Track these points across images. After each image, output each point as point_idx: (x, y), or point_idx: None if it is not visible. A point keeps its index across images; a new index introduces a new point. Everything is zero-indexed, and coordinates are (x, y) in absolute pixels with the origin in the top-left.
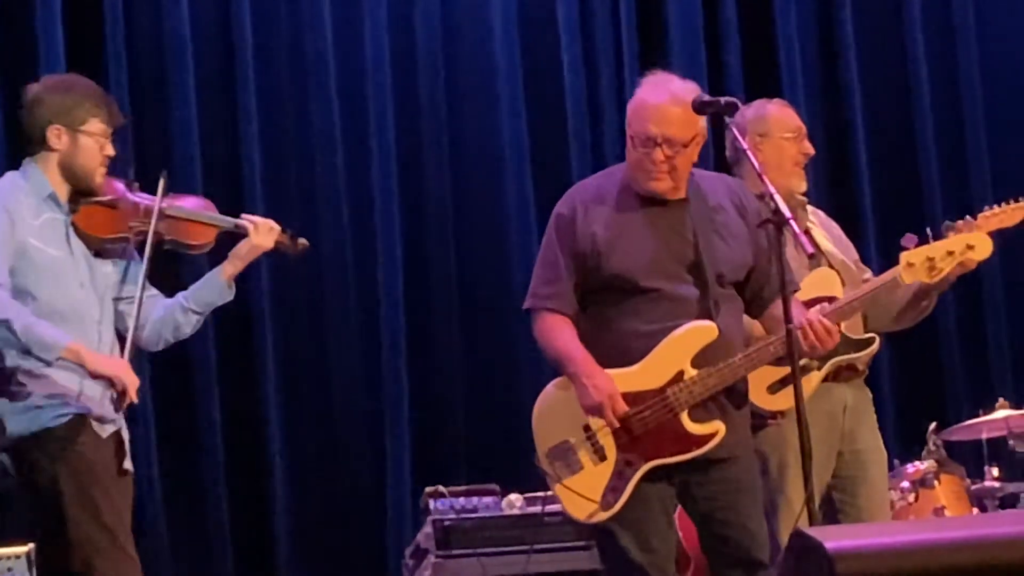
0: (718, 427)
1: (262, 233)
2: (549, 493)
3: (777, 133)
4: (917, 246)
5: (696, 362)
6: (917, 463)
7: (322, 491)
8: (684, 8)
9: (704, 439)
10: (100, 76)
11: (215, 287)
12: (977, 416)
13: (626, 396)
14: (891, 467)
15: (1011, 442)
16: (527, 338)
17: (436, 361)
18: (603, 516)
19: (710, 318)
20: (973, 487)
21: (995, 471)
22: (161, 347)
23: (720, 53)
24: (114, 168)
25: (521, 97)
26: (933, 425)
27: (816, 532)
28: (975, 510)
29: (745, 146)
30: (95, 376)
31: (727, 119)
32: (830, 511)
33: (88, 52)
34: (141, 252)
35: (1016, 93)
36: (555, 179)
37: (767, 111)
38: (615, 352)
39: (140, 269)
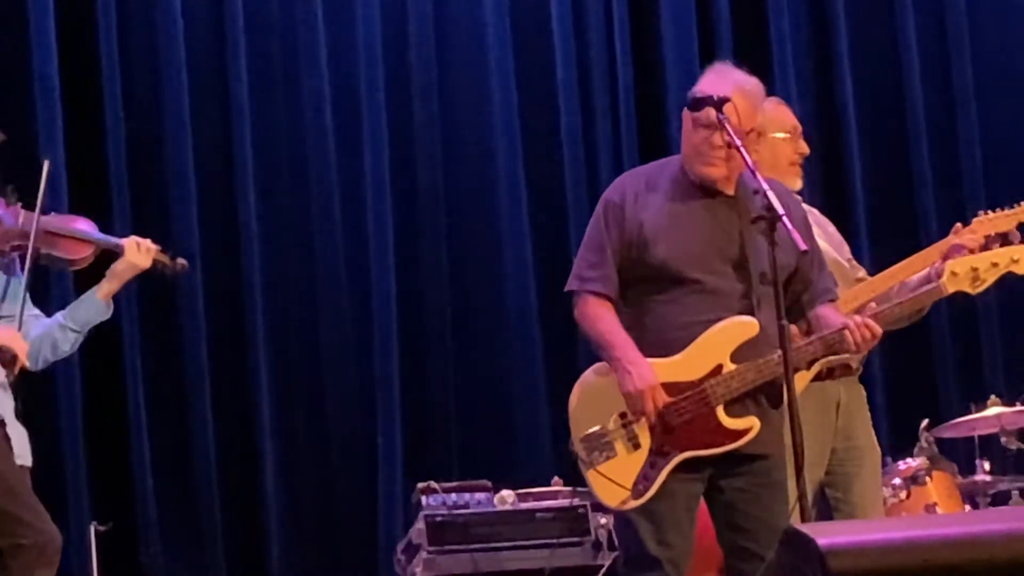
0: (753, 423)
1: (139, 252)
2: (542, 489)
3: (772, 132)
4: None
5: (735, 357)
6: (909, 460)
7: (314, 487)
8: (677, 5)
9: (739, 434)
10: (93, 74)
11: (92, 305)
12: (969, 413)
13: (664, 386)
14: (883, 464)
15: (1003, 439)
16: (519, 334)
17: (428, 357)
18: (634, 504)
19: (752, 314)
20: (965, 484)
21: (987, 467)
22: (41, 366)
23: (713, 51)
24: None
25: (514, 94)
26: (925, 422)
27: (808, 528)
28: (967, 507)
29: (738, 142)
30: None
31: (720, 116)
32: (823, 507)
33: (81, 50)
34: (22, 267)
35: (1009, 89)
36: (547, 176)
37: (762, 109)
38: (654, 341)
39: (21, 285)
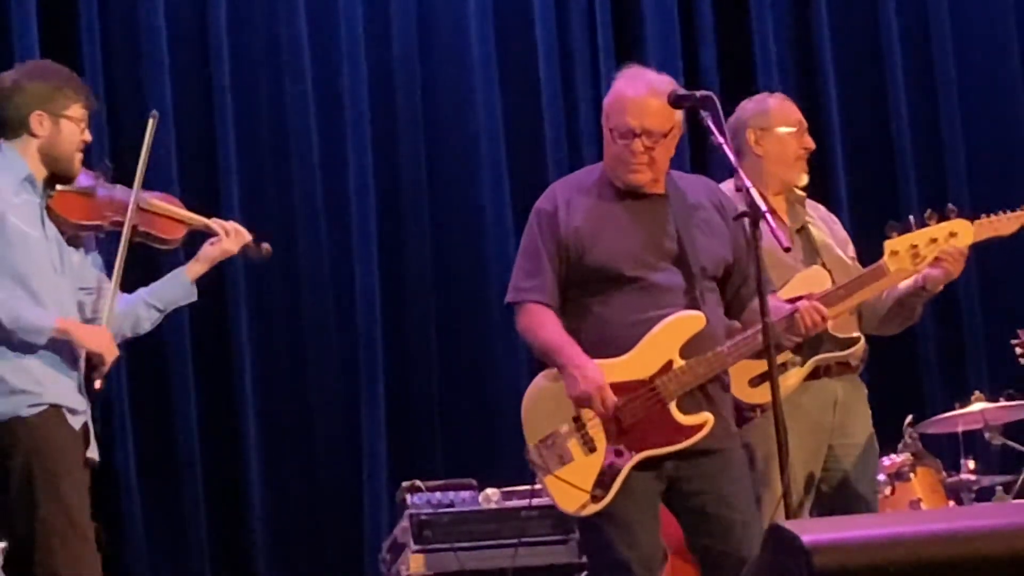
0: (707, 418)
1: (232, 237)
2: (527, 488)
3: (778, 127)
4: (900, 234)
5: (684, 352)
6: (893, 456)
7: (299, 486)
8: (659, 3)
9: (693, 430)
10: (75, 69)
11: (180, 286)
12: (953, 409)
13: (615, 386)
14: None
15: (987, 435)
16: (503, 333)
17: (412, 355)
18: (593, 508)
19: (697, 308)
20: (949, 480)
21: (971, 464)
22: (118, 341)
23: (695, 48)
24: (88, 159)
25: (497, 92)
26: (909, 418)
27: (793, 525)
28: (951, 503)
29: (720, 140)
30: (82, 348)
31: (703, 113)
32: (820, 504)
33: (63, 47)
34: (111, 242)
35: (990, 85)
36: (531, 173)
37: (768, 105)
38: (600, 343)
39: (99, 260)
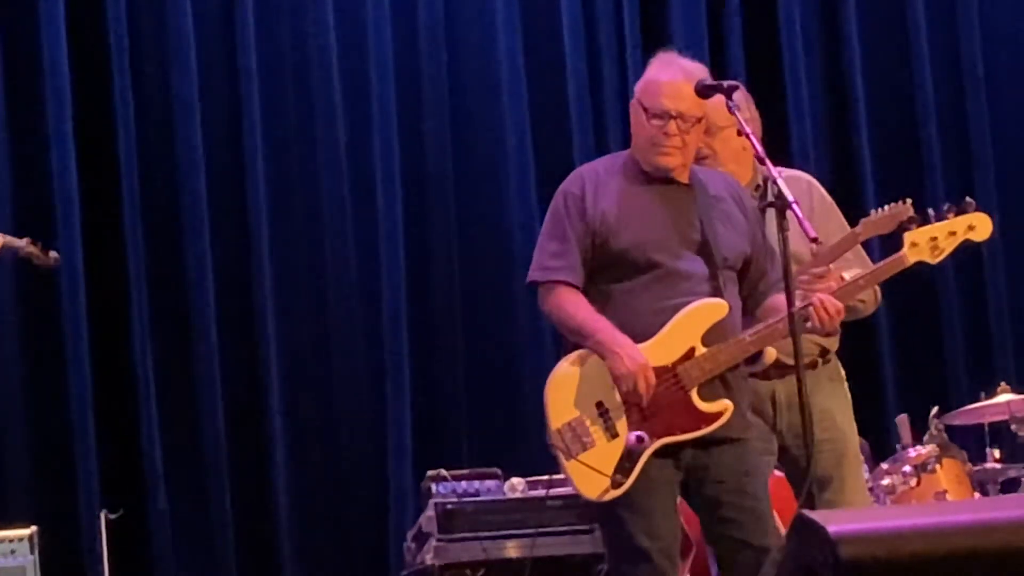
0: (727, 405)
1: None
2: (552, 477)
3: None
4: (920, 226)
5: (706, 339)
6: (919, 447)
7: (324, 475)
8: None
9: (714, 417)
10: (104, 73)
11: None
12: (979, 400)
13: None
14: (892, 452)
15: (1013, 426)
16: (529, 322)
17: (438, 345)
18: (614, 493)
19: (719, 296)
20: (975, 471)
21: (997, 455)
22: None
23: (722, 36)
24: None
25: (523, 82)
26: (935, 409)
27: (819, 516)
28: (977, 494)
29: (748, 130)
30: None
31: (730, 102)
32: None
33: (91, 50)
34: None
35: (1019, 72)
36: (557, 163)
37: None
38: (623, 329)
39: None
